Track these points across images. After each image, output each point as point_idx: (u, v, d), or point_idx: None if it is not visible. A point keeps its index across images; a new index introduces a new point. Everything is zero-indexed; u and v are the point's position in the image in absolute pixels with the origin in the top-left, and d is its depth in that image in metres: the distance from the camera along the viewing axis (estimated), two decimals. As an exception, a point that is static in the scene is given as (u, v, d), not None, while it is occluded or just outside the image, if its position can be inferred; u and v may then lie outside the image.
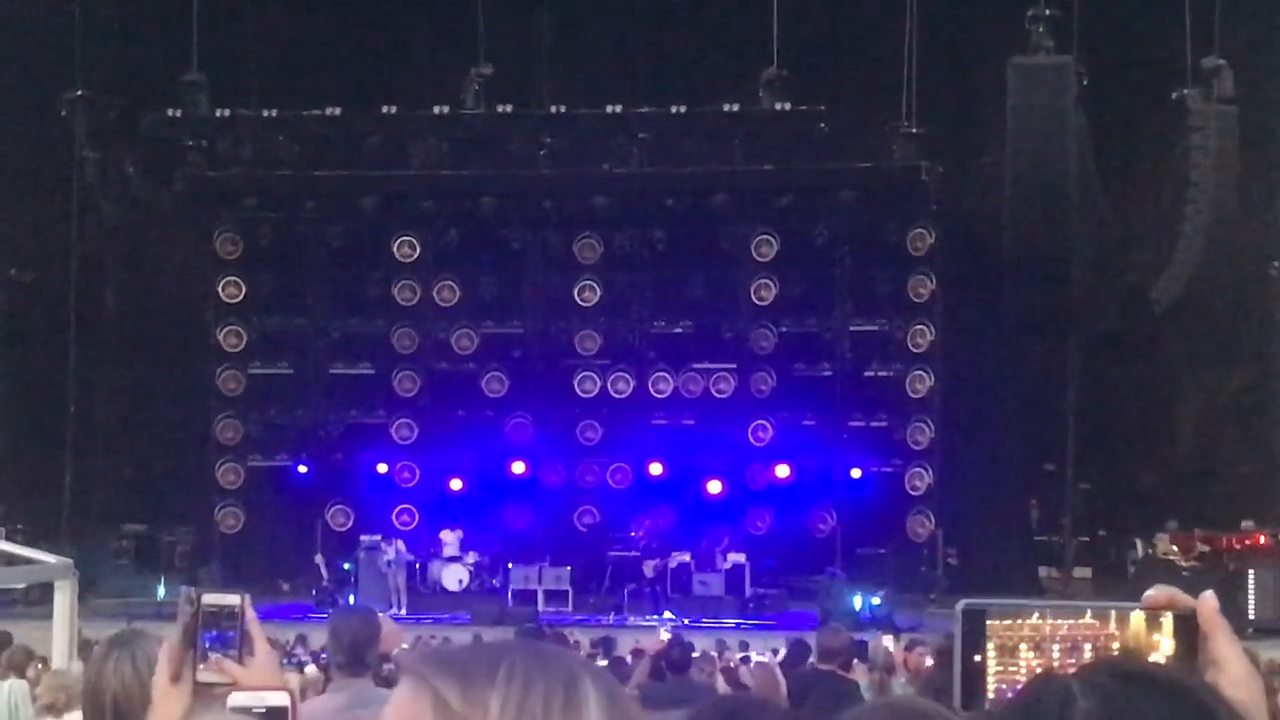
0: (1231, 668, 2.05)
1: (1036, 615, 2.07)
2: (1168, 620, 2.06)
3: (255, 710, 2.79)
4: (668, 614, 30.18)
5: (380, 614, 7.55)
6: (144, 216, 34.16)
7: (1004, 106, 31.14)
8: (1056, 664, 2.04)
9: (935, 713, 3.05)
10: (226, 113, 32.73)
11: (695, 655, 14.20)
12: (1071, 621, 2.07)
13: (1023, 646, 2.05)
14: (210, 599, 2.96)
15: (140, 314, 34.60)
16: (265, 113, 32.87)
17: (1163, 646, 2.06)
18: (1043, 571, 33.26)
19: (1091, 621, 2.07)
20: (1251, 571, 28.80)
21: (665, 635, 16.59)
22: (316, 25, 33.78)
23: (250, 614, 2.96)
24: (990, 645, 2.05)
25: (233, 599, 2.96)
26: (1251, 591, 28.51)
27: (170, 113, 32.57)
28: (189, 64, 32.27)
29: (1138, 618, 2.07)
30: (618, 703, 1.94)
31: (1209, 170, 29.63)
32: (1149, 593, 2.09)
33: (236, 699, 2.81)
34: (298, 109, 32.96)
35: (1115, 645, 2.05)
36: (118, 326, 34.60)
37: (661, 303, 35.12)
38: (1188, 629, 2.06)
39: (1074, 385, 31.68)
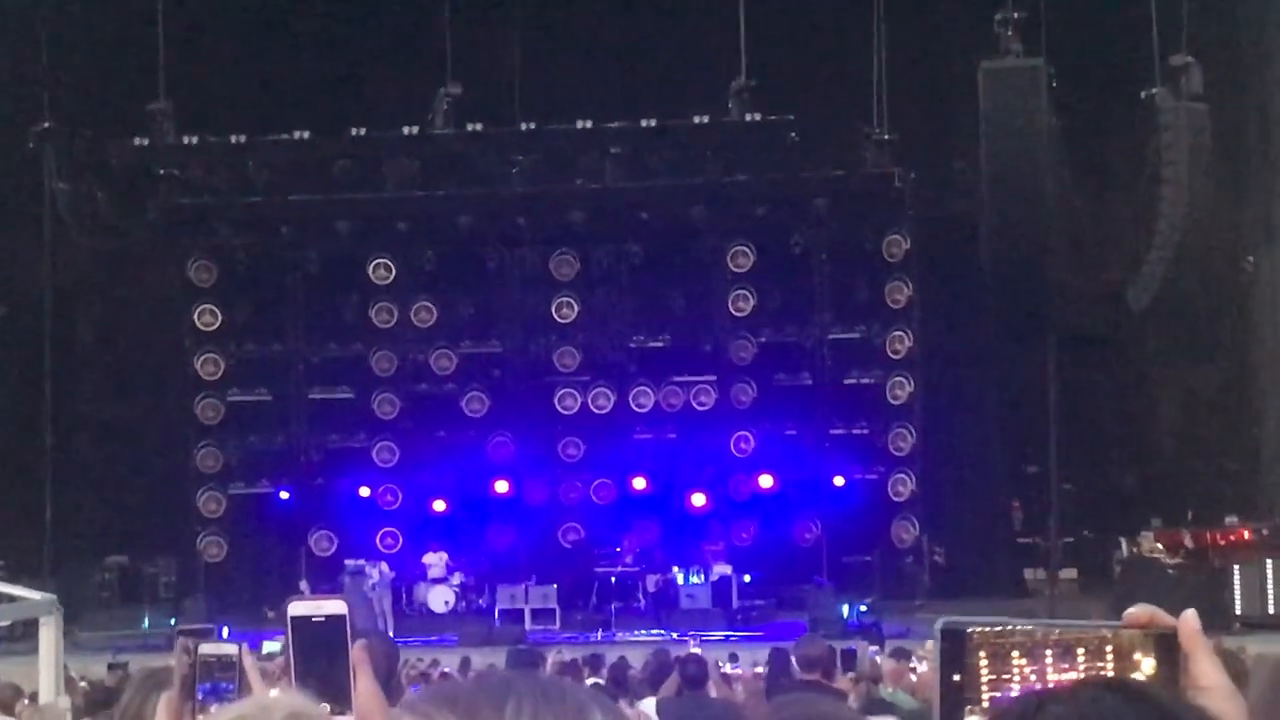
0: (1211, 686, 2.04)
1: (1028, 625, 2.04)
2: (1149, 638, 2.04)
3: (314, 618, 2.77)
4: (656, 631, 30.15)
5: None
6: (117, 247, 34.02)
7: (975, 110, 31.19)
8: (1050, 668, 2.01)
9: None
10: (194, 140, 32.62)
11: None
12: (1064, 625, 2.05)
13: (1015, 653, 2.02)
14: (207, 649, 2.94)
15: (116, 345, 34.50)
16: (234, 139, 32.75)
17: (1144, 666, 2.03)
18: (1028, 574, 33.28)
19: (1077, 624, 2.05)
20: (1237, 567, 28.86)
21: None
22: (282, 49, 33.73)
23: (249, 662, 2.93)
24: (981, 654, 2.01)
25: (230, 648, 2.94)
26: (1238, 587, 28.56)
27: (138, 141, 32.45)
28: (156, 92, 32.17)
29: (1136, 636, 2.04)
30: None
31: (1181, 168, 29.67)
32: (1129, 611, 2.07)
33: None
34: (267, 134, 32.86)
35: (1109, 649, 2.02)
36: (94, 358, 34.50)
37: (640, 317, 35.12)
38: (1169, 648, 2.04)
39: (1053, 386, 31.68)
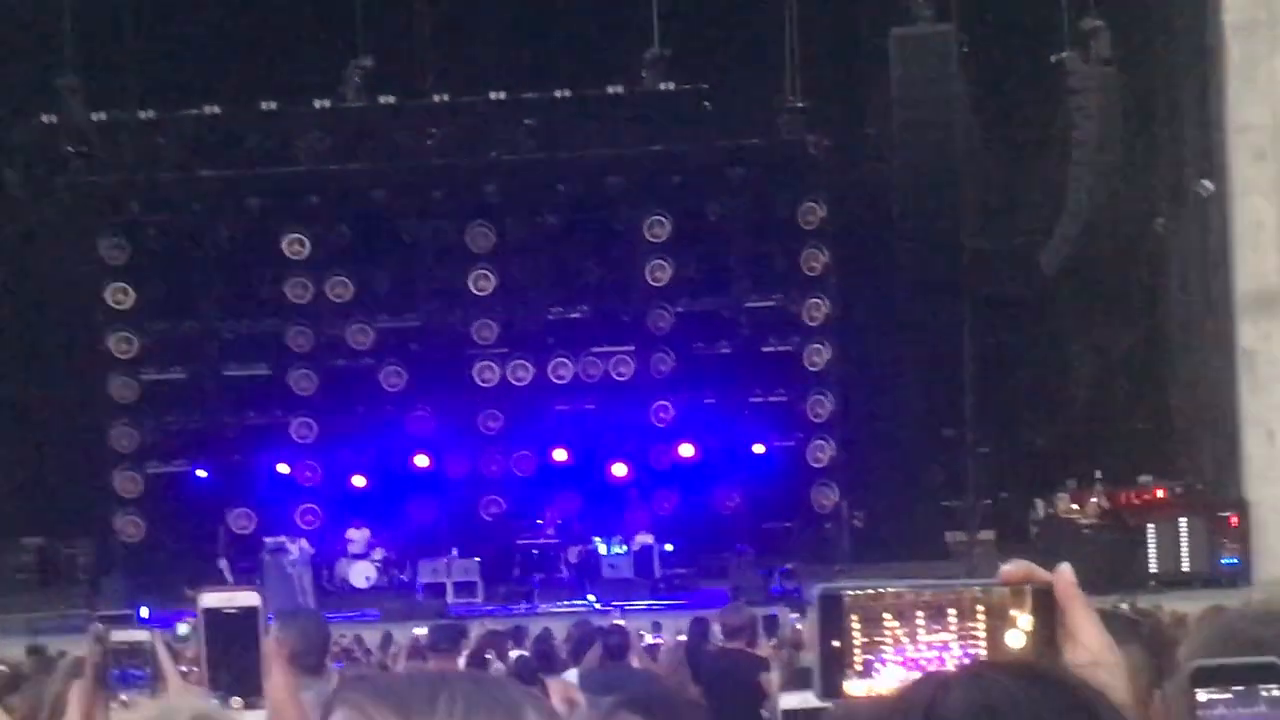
0: (1090, 642, 2.06)
1: (902, 586, 2.06)
2: (1027, 594, 2.06)
3: (227, 610, 2.76)
4: (591, 597, 30.21)
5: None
6: (27, 226, 33.64)
7: (887, 77, 31.31)
8: (922, 629, 2.03)
9: None
10: (104, 116, 32.27)
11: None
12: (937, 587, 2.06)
13: (887, 615, 2.04)
14: (119, 636, 2.91)
15: (28, 325, 34.12)
16: (144, 115, 32.44)
17: (1021, 622, 2.05)
18: (949, 536, 33.54)
19: (954, 583, 2.07)
20: (1151, 526, 29.17)
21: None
22: (191, 24, 33.39)
23: (161, 649, 2.91)
24: (854, 617, 2.03)
25: (141, 635, 2.91)
26: (1152, 545, 28.89)
27: (46, 119, 32.05)
28: (64, 69, 31.76)
29: (1014, 592, 2.06)
30: None
31: (1091, 131, 29.91)
32: (1005, 568, 2.09)
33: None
34: (177, 110, 32.55)
35: (980, 609, 2.04)
36: (5, 338, 34.09)
37: (557, 288, 35.06)
38: (1046, 602, 2.06)
39: (968, 350, 31.93)
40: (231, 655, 2.66)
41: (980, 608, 2.05)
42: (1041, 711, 1.83)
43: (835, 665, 2.04)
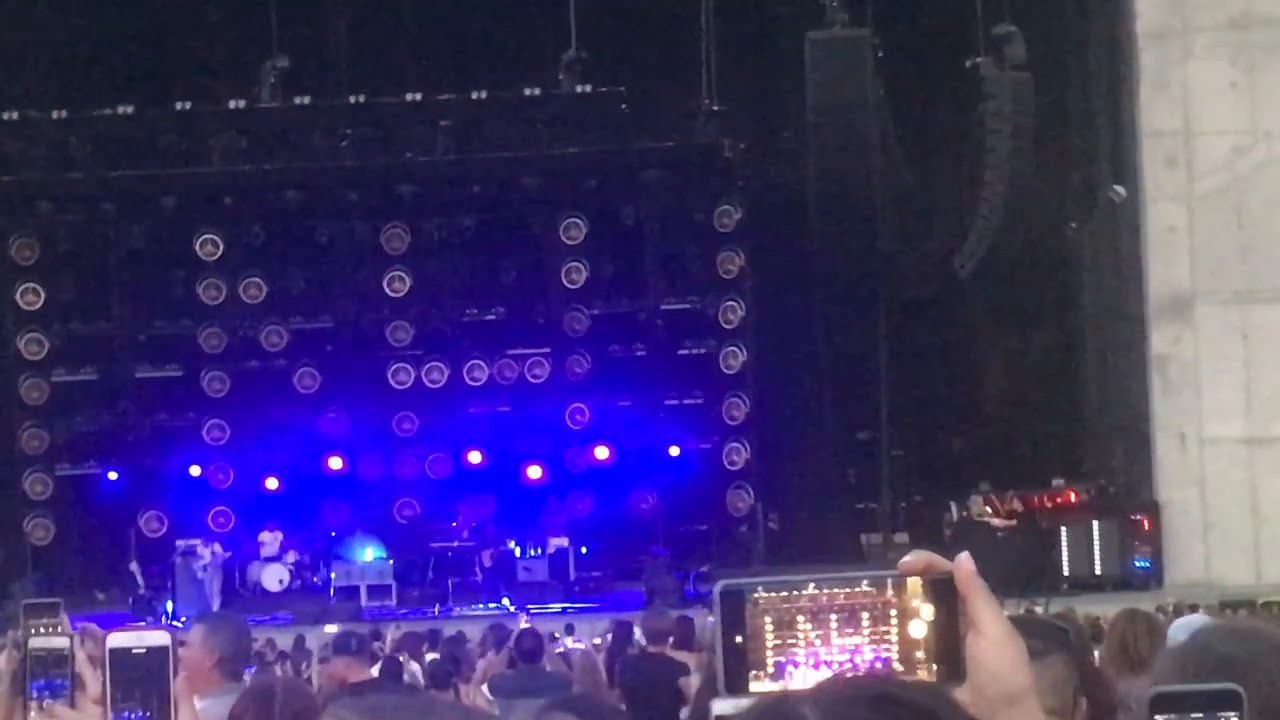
0: (990, 629, 2.06)
1: (812, 586, 2.05)
2: (926, 584, 2.06)
3: (135, 650, 2.72)
4: (505, 600, 30.16)
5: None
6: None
7: (803, 81, 31.42)
8: (835, 634, 2.03)
9: None
10: (14, 115, 31.93)
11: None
12: (849, 590, 2.05)
13: (800, 618, 2.04)
14: (38, 643, 2.87)
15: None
16: (55, 114, 32.11)
17: (923, 613, 2.05)
18: (863, 539, 33.68)
19: (869, 589, 2.06)
20: (1064, 529, 29.45)
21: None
22: (105, 22, 33.10)
23: (80, 655, 2.87)
24: (767, 620, 2.03)
25: (61, 642, 2.88)
26: (1065, 548, 29.15)
27: (-45, 118, 31.71)
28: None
29: (914, 583, 2.06)
30: None
31: (1005, 136, 30.14)
32: (905, 559, 2.09)
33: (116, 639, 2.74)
34: (89, 109, 32.23)
35: (893, 612, 2.04)
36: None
37: (473, 290, 34.95)
38: (946, 593, 2.06)
39: (883, 353, 32.08)
40: (137, 696, 2.63)
41: (893, 611, 2.04)
42: None
43: (739, 661, 2.03)
